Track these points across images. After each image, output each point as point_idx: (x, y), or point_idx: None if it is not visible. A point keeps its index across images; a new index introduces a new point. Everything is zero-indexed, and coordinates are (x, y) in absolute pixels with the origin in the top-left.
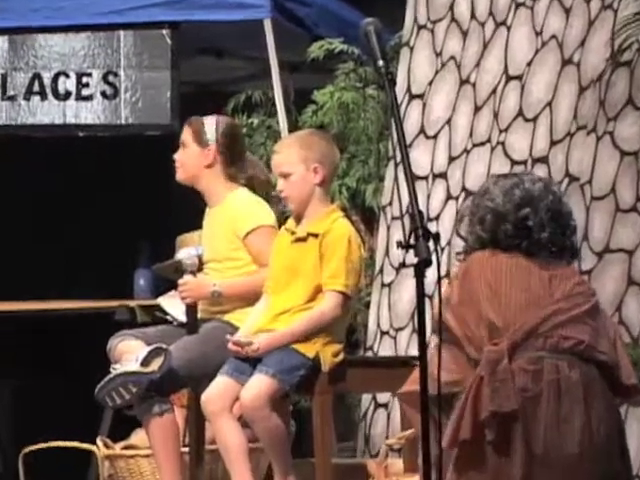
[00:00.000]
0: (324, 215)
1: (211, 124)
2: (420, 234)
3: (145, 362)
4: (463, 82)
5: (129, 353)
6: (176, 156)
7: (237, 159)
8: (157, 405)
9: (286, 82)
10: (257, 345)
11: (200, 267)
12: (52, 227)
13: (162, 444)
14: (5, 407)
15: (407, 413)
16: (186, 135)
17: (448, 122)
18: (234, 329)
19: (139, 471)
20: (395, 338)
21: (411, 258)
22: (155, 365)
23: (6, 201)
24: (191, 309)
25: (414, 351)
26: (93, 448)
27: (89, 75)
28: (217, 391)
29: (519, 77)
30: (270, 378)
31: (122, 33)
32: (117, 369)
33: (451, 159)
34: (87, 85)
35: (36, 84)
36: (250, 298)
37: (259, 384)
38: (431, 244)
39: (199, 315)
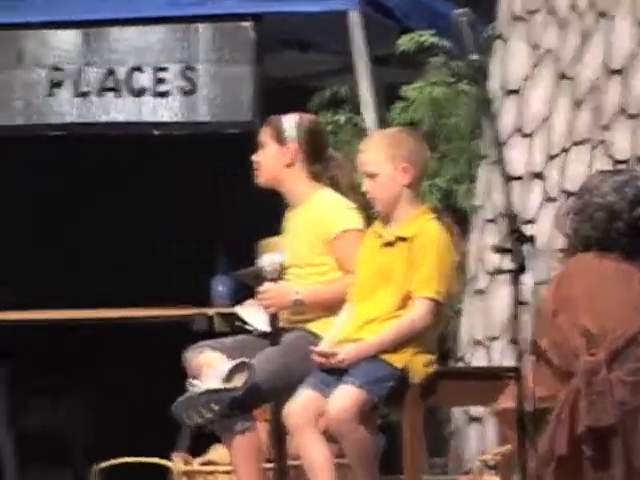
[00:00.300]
0: (413, 217)
1: (290, 121)
2: (516, 238)
3: (228, 378)
4: (561, 77)
5: (208, 367)
6: (255, 157)
7: (319, 157)
8: (239, 422)
9: (374, 77)
10: (343, 355)
11: (281, 274)
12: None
13: (244, 462)
14: (77, 421)
15: (504, 430)
16: (264, 135)
17: (545, 119)
18: (317, 339)
19: None
20: (488, 348)
21: (506, 263)
22: (238, 381)
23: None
24: (273, 318)
25: (509, 362)
26: (170, 464)
27: (165, 70)
28: (301, 404)
29: (621, 71)
30: (357, 389)
31: (200, 26)
32: (197, 385)
33: (549, 158)
34: (163, 81)
35: (110, 80)
36: (334, 306)
37: (346, 396)
38: (527, 248)
39: (280, 324)
